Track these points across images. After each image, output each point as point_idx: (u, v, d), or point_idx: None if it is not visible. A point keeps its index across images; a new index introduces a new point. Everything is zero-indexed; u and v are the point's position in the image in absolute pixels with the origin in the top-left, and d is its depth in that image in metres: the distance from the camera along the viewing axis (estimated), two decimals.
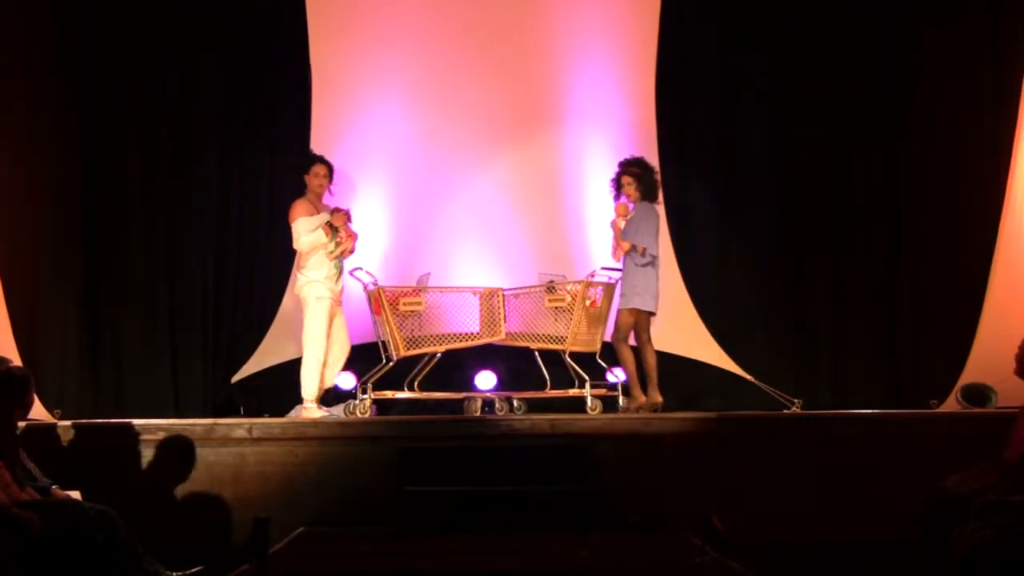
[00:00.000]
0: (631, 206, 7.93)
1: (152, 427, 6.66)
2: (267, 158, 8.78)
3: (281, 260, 8.58)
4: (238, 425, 6.78)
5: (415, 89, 8.74)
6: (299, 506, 6.41)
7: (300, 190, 7.96)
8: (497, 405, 7.60)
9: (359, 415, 7.40)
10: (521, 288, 7.87)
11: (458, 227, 8.70)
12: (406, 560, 5.56)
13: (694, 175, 8.81)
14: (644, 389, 7.74)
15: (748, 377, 8.34)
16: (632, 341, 7.81)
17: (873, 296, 8.67)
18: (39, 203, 8.06)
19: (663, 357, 7.93)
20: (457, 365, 8.24)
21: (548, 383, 7.72)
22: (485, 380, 8.33)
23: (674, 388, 8.05)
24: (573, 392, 7.64)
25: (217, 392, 8.52)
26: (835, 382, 8.57)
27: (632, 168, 7.98)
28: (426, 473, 6.43)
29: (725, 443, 6.66)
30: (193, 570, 5.46)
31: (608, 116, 8.78)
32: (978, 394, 7.80)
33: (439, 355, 7.73)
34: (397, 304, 7.64)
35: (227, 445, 6.61)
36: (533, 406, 7.80)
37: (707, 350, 8.56)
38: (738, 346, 8.58)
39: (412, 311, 7.65)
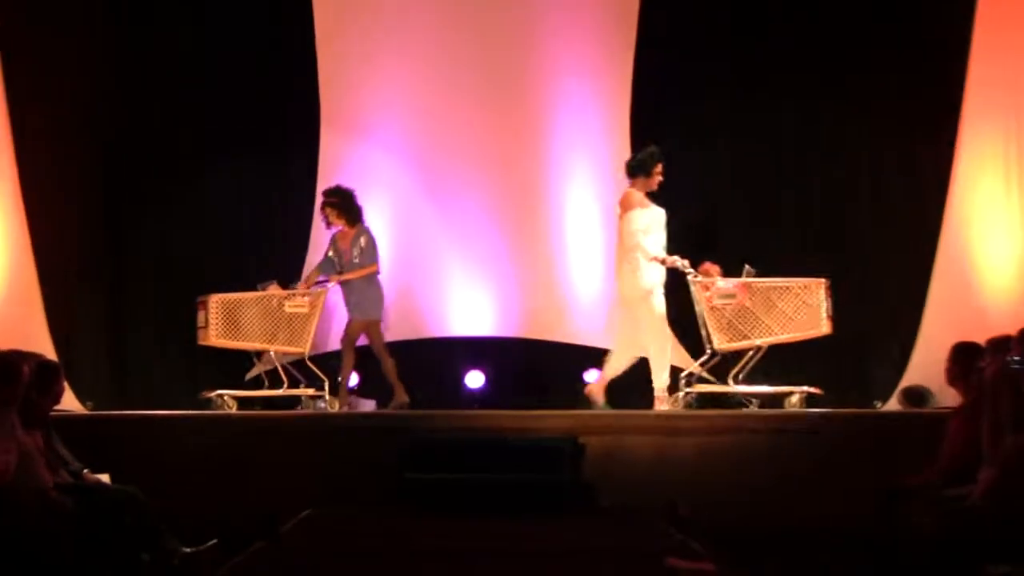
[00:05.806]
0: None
1: (174, 417, 7.01)
2: (277, 157, 9.09)
3: (293, 255, 8.90)
4: (252, 416, 7.20)
5: (418, 106, 9.07)
6: (305, 495, 6.55)
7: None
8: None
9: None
10: None
11: (456, 228, 9.06)
12: (406, 538, 5.80)
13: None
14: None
15: (710, 379, 8.32)
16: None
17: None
18: (69, 217, 8.42)
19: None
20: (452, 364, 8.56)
21: (283, 383, 8.11)
22: (474, 379, 8.55)
23: (640, 387, 8.28)
24: (299, 391, 8.14)
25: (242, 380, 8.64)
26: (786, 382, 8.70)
27: (331, 199, 8.23)
28: (422, 462, 6.63)
29: (692, 438, 6.96)
30: (206, 545, 5.58)
31: (588, 137, 9.07)
32: (917, 395, 8.04)
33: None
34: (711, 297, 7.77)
35: (240, 435, 6.98)
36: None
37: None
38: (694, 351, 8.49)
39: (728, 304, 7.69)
